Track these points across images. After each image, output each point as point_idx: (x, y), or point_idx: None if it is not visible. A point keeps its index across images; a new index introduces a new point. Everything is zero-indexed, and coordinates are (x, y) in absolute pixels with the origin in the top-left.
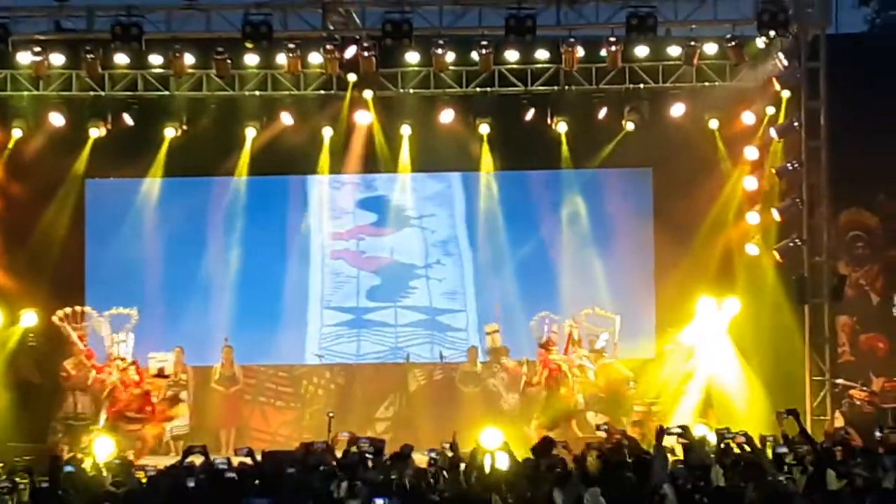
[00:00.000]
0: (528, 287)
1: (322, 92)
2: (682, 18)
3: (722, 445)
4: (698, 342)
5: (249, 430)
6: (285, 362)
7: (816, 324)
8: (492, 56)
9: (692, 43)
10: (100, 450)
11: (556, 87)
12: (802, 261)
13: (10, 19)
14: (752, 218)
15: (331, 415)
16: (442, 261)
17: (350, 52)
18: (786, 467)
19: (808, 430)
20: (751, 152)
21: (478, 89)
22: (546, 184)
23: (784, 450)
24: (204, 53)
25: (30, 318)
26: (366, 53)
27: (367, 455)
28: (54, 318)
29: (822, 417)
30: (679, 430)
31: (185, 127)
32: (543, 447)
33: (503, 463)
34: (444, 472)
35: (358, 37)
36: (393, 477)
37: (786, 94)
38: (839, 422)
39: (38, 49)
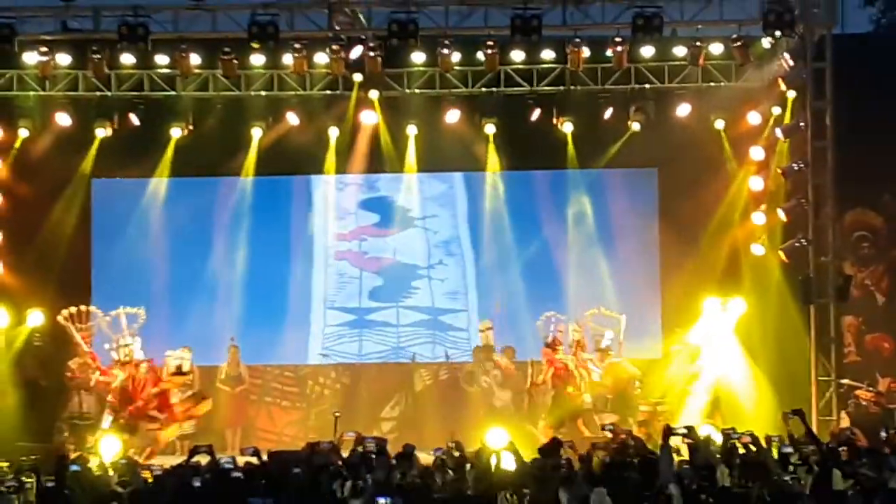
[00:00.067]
0: (533, 287)
1: (328, 92)
2: (688, 19)
3: (728, 445)
4: (704, 342)
5: (255, 430)
6: (289, 362)
7: (822, 324)
8: (497, 56)
9: (698, 43)
10: (106, 449)
11: (561, 88)
12: (808, 261)
13: (16, 19)
14: (758, 218)
15: (337, 415)
16: (444, 261)
17: (356, 52)
18: (791, 467)
19: (814, 430)
20: (756, 152)
21: (483, 89)
22: (551, 184)
23: (790, 450)
24: (210, 53)
25: (36, 317)
26: (371, 53)
27: (372, 455)
28: (59, 318)
29: (828, 418)
30: (684, 431)
31: (191, 127)
32: (551, 448)
33: (509, 463)
34: (450, 472)
35: (364, 37)
36: (398, 476)
37: (791, 94)
38: (845, 422)
39: (44, 49)
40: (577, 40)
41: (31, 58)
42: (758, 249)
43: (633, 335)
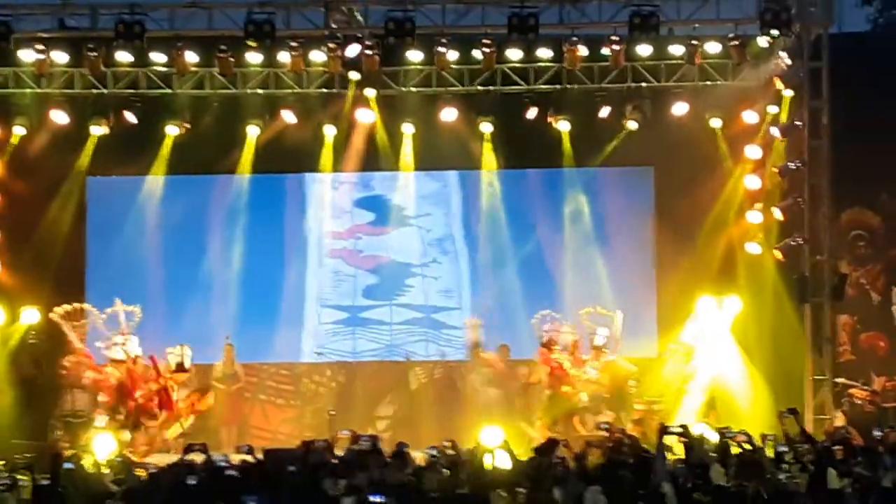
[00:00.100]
0: (529, 285)
1: (324, 90)
2: (685, 17)
3: (722, 444)
4: (700, 341)
5: (250, 428)
6: (284, 360)
7: (817, 323)
8: (494, 54)
9: (694, 42)
10: (100, 447)
11: (558, 86)
12: (804, 260)
13: (12, 17)
14: (754, 217)
15: (332, 413)
16: (438, 259)
17: (353, 50)
18: (785, 465)
19: (809, 429)
20: (753, 151)
21: (480, 88)
22: (548, 182)
23: (784, 449)
24: (206, 51)
25: (31, 315)
26: (368, 52)
27: (366, 453)
28: (52, 316)
29: (822, 417)
30: (679, 429)
31: (187, 125)
32: (547, 447)
33: (503, 461)
34: (445, 470)
35: (360, 35)
36: (391, 475)
37: (788, 93)
38: (840, 421)
39: (40, 47)
40: (574, 39)
41: (27, 55)
42: (754, 248)
43: (629, 334)
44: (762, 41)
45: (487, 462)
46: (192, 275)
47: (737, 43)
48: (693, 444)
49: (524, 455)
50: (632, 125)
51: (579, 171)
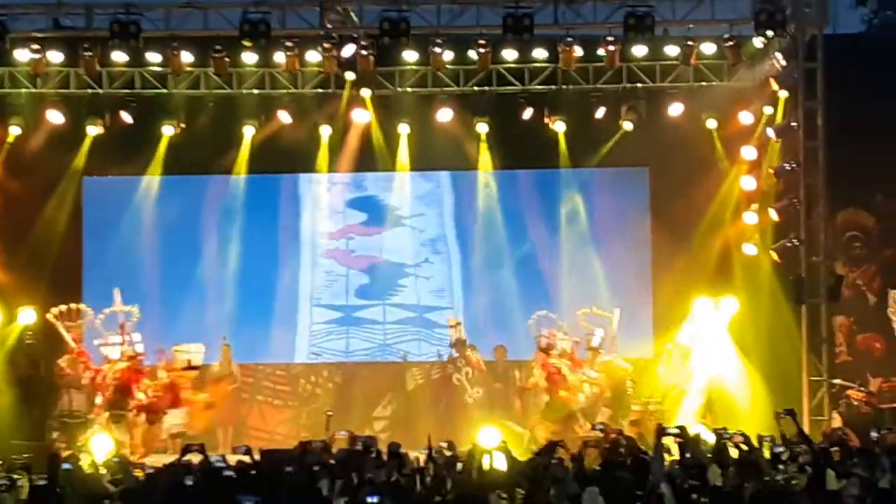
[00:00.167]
0: (525, 286)
1: (320, 90)
2: (680, 18)
3: (719, 445)
4: (696, 342)
5: (247, 429)
6: (278, 360)
7: (814, 324)
8: (489, 55)
9: (690, 42)
10: (97, 448)
11: (553, 87)
12: (800, 261)
13: (7, 16)
14: (750, 218)
15: (329, 413)
16: (430, 259)
17: (348, 50)
18: (781, 466)
19: (806, 430)
20: (748, 152)
21: (475, 88)
22: (543, 183)
23: (781, 449)
24: (202, 51)
25: (28, 315)
26: (364, 52)
27: (361, 453)
28: (48, 316)
29: (819, 418)
30: (676, 430)
31: (183, 125)
32: (547, 450)
33: (501, 462)
34: (443, 471)
35: (356, 35)
36: (386, 476)
37: (783, 93)
38: (837, 422)
39: (36, 46)
40: (569, 39)
41: (22, 55)
42: (749, 249)
43: (625, 334)
44: (757, 42)
45: (485, 463)
46: (187, 275)
47: (732, 44)
48: (690, 445)
49: (520, 455)
50: (627, 126)
51: (575, 171)
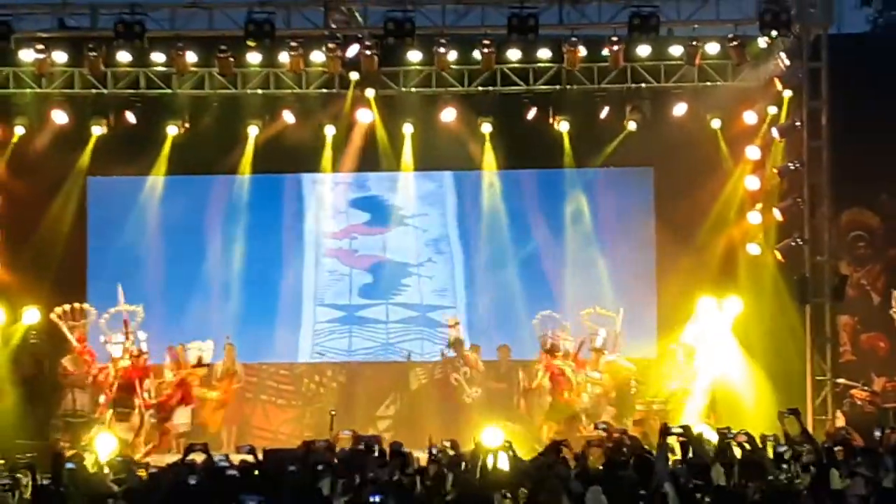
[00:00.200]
0: (529, 286)
1: (324, 90)
2: (685, 18)
3: (723, 445)
4: (700, 342)
5: (251, 428)
6: (282, 360)
7: (818, 323)
8: (494, 55)
9: (694, 42)
10: (101, 447)
11: (558, 87)
12: (804, 260)
13: (13, 17)
14: (754, 217)
15: (333, 413)
16: (433, 259)
17: (352, 50)
18: (784, 465)
19: (810, 429)
20: (752, 152)
21: (480, 88)
22: (548, 183)
23: (784, 449)
24: (206, 51)
25: (32, 315)
26: (368, 52)
27: (363, 453)
28: (52, 316)
29: (823, 417)
30: (680, 430)
31: (187, 125)
32: (551, 450)
33: (504, 462)
34: (445, 471)
35: (360, 35)
36: (389, 475)
37: (787, 93)
38: (840, 421)
39: (40, 46)
40: (574, 39)
41: (27, 55)
42: (754, 249)
43: (628, 334)
44: (762, 42)
45: (489, 463)
46: (191, 274)
47: (736, 44)
48: (694, 444)
49: (524, 454)
50: (631, 126)
51: (579, 171)
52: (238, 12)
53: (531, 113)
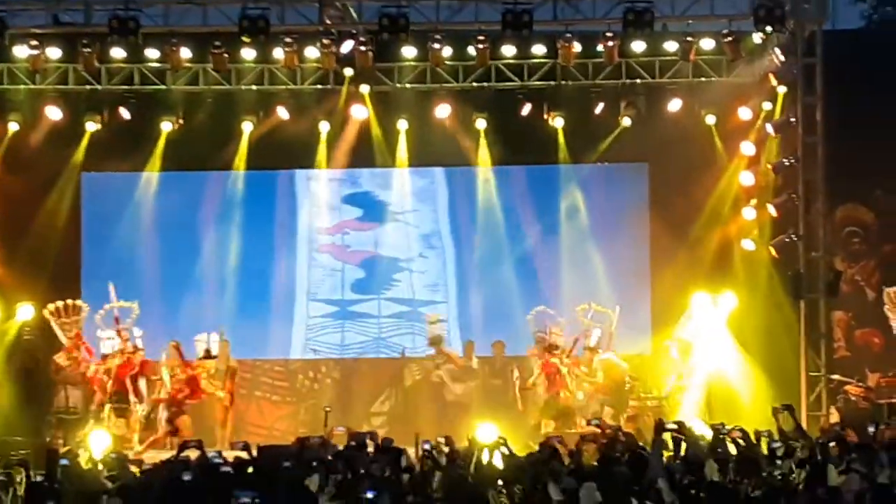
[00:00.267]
0: (524, 281)
1: (319, 86)
2: (679, 14)
3: (717, 440)
4: (695, 337)
5: (245, 425)
6: (276, 356)
7: (812, 319)
8: (488, 51)
9: (689, 38)
10: (95, 444)
11: (552, 82)
12: (798, 256)
13: (6, 13)
14: (748, 213)
15: (327, 409)
16: (424, 254)
17: (347, 46)
18: (778, 461)
19: (804, 425)
20: (747, 148)
21: (474, 84)
22: (542, 179)
23: (777, 445)
24: (201, 47)
25: (26, 311)
26: (362, 48)
27: (355, 449)
28: (45, 312)
29: (817, 413)
30: (675, 426)
31: (181, 121)
32: (545, 445)
33: (498, 458)
34: (439, 467)
35: (354, 31)
36: (383, 472)
37: (782, 89)
38: (834, 417)
39: (34, 42)
40: (568, 35)
41: (21, 51)
42: (748, 244)
43: (623, 331)
44: (756, 37)
45: (484, 459)
46: (186, 270)
47: (731, 39)
48: (688, 440)
49: (518, 450)
50: (626, 121)
51: (574, 167)
52: (232, 8)
53: (526, 109)
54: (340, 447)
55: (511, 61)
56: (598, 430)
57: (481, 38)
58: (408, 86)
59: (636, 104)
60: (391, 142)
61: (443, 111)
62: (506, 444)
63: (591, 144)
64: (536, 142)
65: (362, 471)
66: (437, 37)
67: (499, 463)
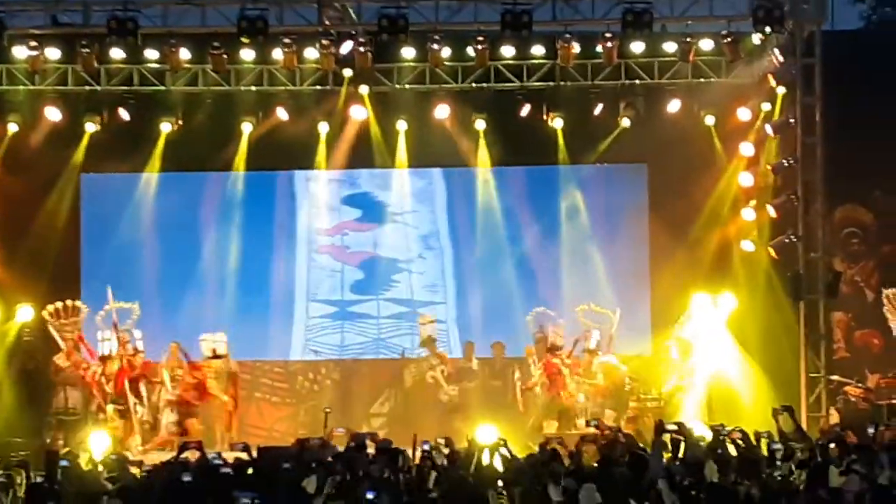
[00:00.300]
0: (524, 282)
1: (318, 87)
2: (678, 14)
3: (717, 441)
4: (695, 339)
5: (245, 426)
6: (276, 357)
7: (812, 320)
8: (488, 52)
9: (688, 39)
10: (95, 445)
11: (551, 83)
12: (797, 257)
13: (5, 14)
14: (748, 214)
15: (327, 410)
16: (423, 255)
17: (346, 47)
18: (778, 462)
19: (804, 426)
20: (746, 148)
21: (473, 85)
22: (542, 179)
23: (777, 446)
24: (200, 48)
25: (26, 312)
26: (361, 49)
27: (354, 450)
28: (44, 314)
29: (817, 414)
30: (675, 427)
31: (180, 122)
32: (545, 446)
33: (498, 459)
34: (438, 468)
35: (354, 32)
36: (382, 472)
37: (781, 90)
38: (834, 418)
39: (34, 43)
40: (568, 36)
41: (20, 52)
42: (747, 245)
43: (623, 332)
44: (755, 38)
45: (484, 460)
46: (186, 271)
47: (730, 40)
48: (688, 441)
49: (518, 451)
50: (625, 122)
51: (573, 168)
52: (231, 9)
53: (525, 109)
54: (340, 448)
55: (510, 62)
56: (598, 432)
57: (480, 38)
58: (407, 86)
59: (635, 105)
60: (390, 142)
61: (442, 112)
62: (506, 446)
63: (590, 145)
64: (535, 143)
65: (361, 472)
66: (437, 37)
67: (498, 464)
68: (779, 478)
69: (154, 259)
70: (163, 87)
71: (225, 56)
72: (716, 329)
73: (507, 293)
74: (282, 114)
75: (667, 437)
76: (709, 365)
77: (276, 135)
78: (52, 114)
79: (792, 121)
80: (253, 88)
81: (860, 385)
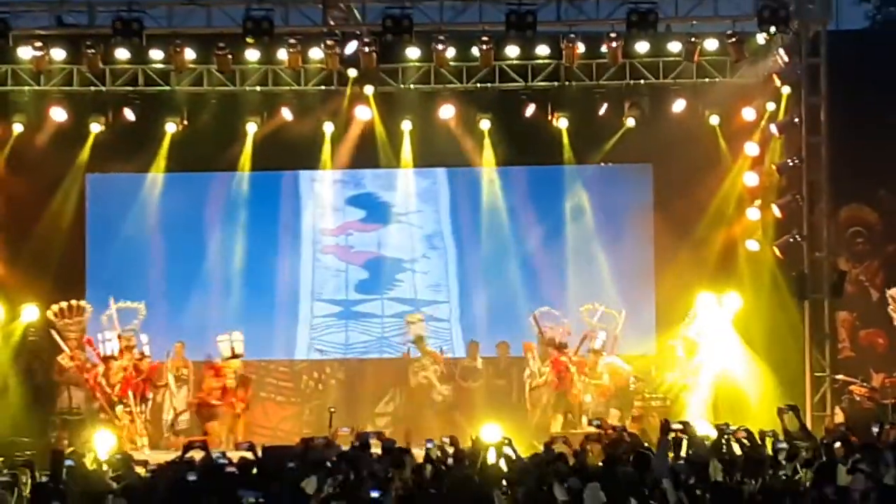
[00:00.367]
0: (529, 282)
1: (323, 87)
2: (683, 14)
3: (721, 440)
4: (700, 338)
5: (250, 425)
6: (281, 356)
7: (816, 320)
8: (492, 52)
9: (693, 39)
10: (100, 444)
11: (556, 83)
12: (802, 257)
13: (10, 14)
14: (753, 214)
15: (332, 410)
16: (427, 254)
17: (351, 47)
18: (783, 461)
19: (809, 426)
20: (751, 148)
21: (478, 85)
22: (546, 179)
23: (783, 445)
24: (205, 48)
25: (31, 312)
26: (366, 49)
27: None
28: (48, 314)
29: (822, 413)
30: (679, 426)
31: (185, 122)
32: (550, 445)
33: (503, 458)
34: (443, 467)
35: (358, 32)
36: (386, 472)
37: (786, 90)
38: (839, 417)
39: (38, 44)
40: (572, 36)
41: (25, 52)
42: (752, 245)
43: (627, 331)
44: (760, 38)
45: (489, 459)
46: (191, 271)
47: (735, 40)
48: (692, 440)
49: (523, 451)
50: (630, 122)
51: (578, 168)
52: (236, 9)
53: (530, 109)
54: (345, 448)
55: (515, 62)
56: (602, 431)
57: (485, 38)
58: (412, 87)
59: (640, 105)
60: (395, 143)
61: (446, 112)
62: (510, 445)
63: (594, 145)
64: (540, 142)
65: (365, 472)
66: (441, 38)
67: (503, 463)
68: (783, 477)
69: (159, 259)
70: (168, 88)
71: (230, 56)
72: (721, 328)
73: (511, 293)
74: (286, 114)
75: (672, 437)
76: (714, 364)
77: (281, 135)
78: (58, 114)
79: (797, 120)
80: (258, 89)
81: (865, 384)
